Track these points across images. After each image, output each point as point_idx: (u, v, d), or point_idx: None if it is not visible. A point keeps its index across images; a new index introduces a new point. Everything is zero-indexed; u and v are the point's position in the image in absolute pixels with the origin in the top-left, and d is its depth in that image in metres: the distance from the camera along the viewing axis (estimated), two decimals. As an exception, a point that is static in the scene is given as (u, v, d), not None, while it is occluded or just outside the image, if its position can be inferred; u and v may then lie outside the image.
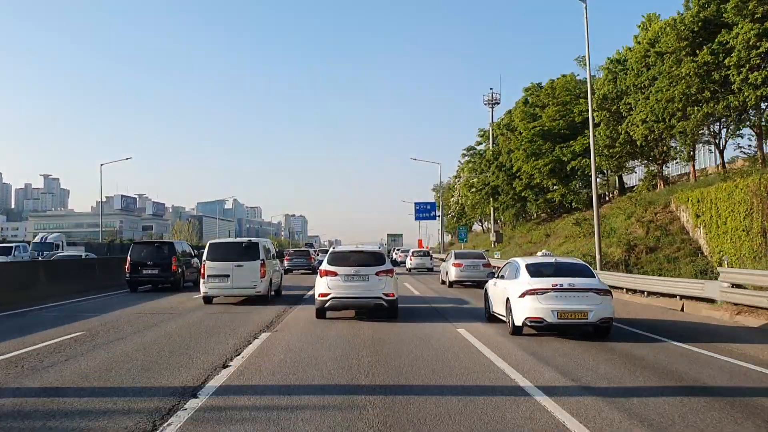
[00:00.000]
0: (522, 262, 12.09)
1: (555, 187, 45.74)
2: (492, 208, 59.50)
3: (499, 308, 12.30)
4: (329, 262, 13.33)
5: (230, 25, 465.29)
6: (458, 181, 76.96)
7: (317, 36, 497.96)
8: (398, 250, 61.00)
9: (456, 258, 24.50)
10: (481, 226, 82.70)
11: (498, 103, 64.83)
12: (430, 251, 48.75)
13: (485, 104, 64.57)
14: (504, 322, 11.86)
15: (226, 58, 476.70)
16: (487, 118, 65.79)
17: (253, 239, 18.31)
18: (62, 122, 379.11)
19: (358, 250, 14.29)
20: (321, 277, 13.21)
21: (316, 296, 13.25)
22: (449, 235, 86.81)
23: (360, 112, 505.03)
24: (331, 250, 14.64)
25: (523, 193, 50.47)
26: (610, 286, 12.30)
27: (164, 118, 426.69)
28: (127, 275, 21.22)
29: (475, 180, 63.54)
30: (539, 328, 10.92)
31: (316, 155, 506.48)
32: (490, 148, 59.78)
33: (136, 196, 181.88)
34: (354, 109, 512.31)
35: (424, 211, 66.47)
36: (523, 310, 10.75)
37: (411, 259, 40.24)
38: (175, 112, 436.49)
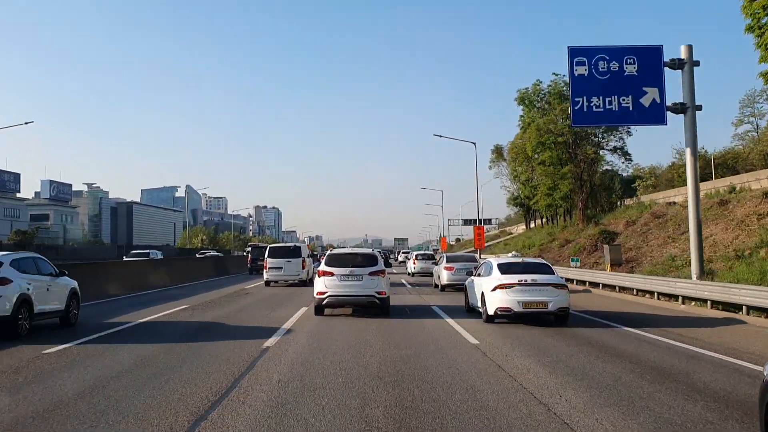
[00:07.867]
0: (495, 261, 14.23)
1: None
2: None
3: (475, 301, 14.36)
4: (326, 264, 14.65)
5: (208, 13, 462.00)
6: None
7: (304, 28, 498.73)
8: (405, 253, 61.84)
9: (448, 261, 24.30)
10: None
11: None
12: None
13: None
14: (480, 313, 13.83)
15: (192, 41, 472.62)
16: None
17: (297, 244, 29.60)
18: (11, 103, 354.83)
19: (353, 252, 16.30)
20: (319, 277, 14.46)
21: (314, 294, 14.54)
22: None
23: (356, 107, 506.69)
24: (328, 252, 16.40)
25: None
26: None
27: (135, 104, 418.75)
28: (249, 265, 36.09)
29: None
30: (508, 316, 12.97)
31: (297, 146, 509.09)
32: None
33: (18, 172, 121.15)
34: (349, 101, 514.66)
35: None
36: (495, 302, 12.77)
37: (414, 263, 34.81)
38: (155, 101, 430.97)
